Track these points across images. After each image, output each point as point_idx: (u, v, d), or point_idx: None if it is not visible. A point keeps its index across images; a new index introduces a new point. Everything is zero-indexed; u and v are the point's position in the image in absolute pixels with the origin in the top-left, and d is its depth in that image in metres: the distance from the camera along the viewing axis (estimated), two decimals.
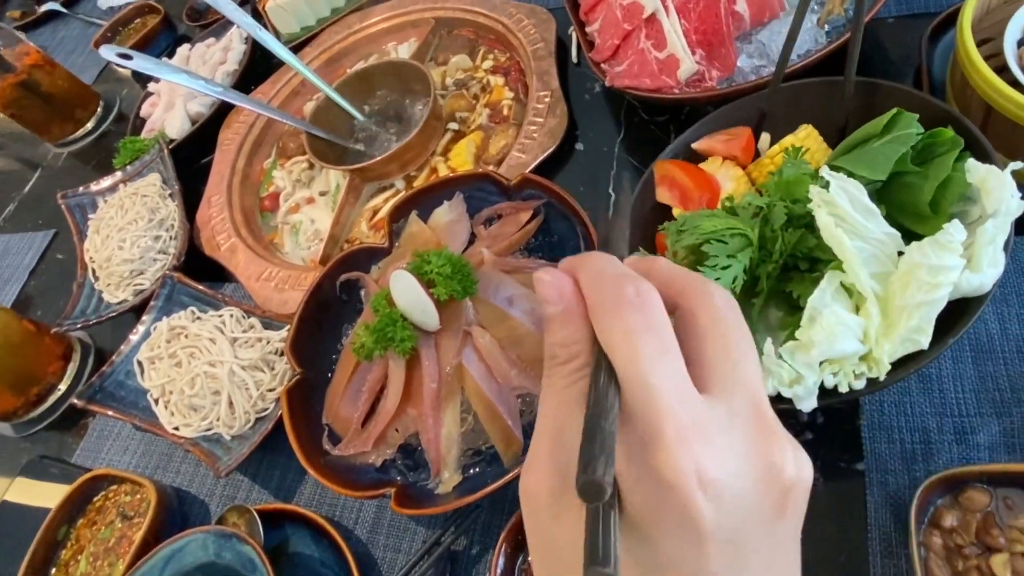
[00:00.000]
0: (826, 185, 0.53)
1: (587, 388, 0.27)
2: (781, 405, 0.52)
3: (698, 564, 0.24)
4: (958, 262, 0.49)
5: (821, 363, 0.51)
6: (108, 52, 0.92)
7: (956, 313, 0.53)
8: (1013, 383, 0.64)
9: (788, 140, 0.68)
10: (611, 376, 0.27)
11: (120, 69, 1.39)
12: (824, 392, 0.52)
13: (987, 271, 0.51)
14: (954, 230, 0.48)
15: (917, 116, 0.60)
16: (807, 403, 0.51)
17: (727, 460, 0.25)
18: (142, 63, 0.93)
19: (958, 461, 0.62)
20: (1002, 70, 0.68)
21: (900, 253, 0.54)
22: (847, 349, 0.49)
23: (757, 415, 0.27)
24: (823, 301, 0.51)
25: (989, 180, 0.54)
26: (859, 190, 0.53)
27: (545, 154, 0.93)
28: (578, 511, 0.26)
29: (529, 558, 0.26)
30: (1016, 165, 0.54)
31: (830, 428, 0.66)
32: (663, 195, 0.73)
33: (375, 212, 1.02)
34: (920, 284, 0.49)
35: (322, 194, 1.08)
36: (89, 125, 1.37)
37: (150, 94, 1.26)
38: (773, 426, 0.27)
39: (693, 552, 0.24)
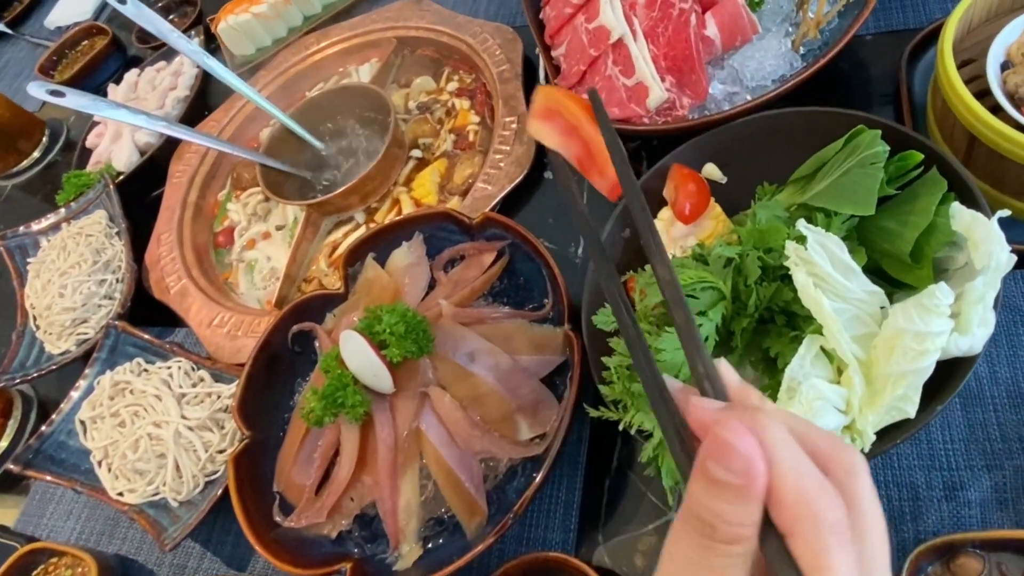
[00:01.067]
0: (803, 240, 0.49)
1: (745, 571, 0.26)
2: None
3: None
4: (945, 326, 0.45)
5: None
6: (38, 89, 0.85)
7: (944, 373, 0.49)
8: (1004, 432, 0.60)
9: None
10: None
11: None
12: None
13: (976, 332, 0.47)
14: (941, 294, 0.44)
15: (880, 132, 0.57)
16: None
17: None
18: (76, 100, 0.87)
19: (948, 520, 0.58)
20: (985, 93, 0.64)
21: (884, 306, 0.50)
22: (828, 424, 0.45)
23: None
24: (802, 371, 0.47)
25: (976, 230, 0.50)
26: (838, 246, 0.49)
27: (512, 185, 0.88)
28: None
29: None
30: (1003, 213, 0.51)
31: None
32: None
33: (335, 247, 0.97)
34: (906, 351, 0.45)
35: (279, 228, 1.03)
36: (35, 155, 1.30)
37: (96, 123, 1.20)
38: None
39: None
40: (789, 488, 0.26)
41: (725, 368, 0.32)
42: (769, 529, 0.26)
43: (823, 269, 0.47)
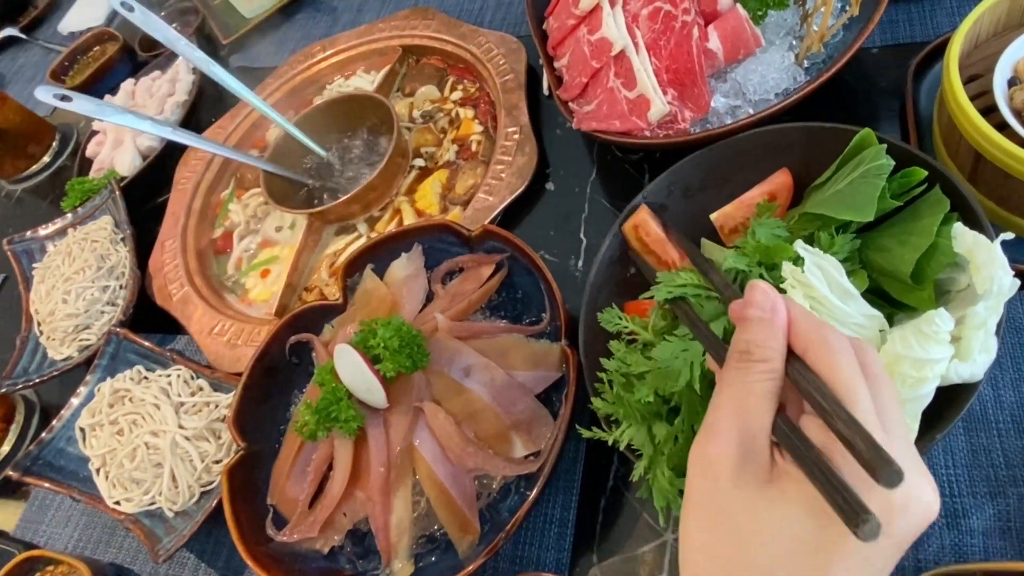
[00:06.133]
0: (801, 262, 0.48)
1: (775, 388, 0.34)
2: None
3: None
4: (945, 352, 0.44)
5: None
6: (45, 93, 0.86)
7: (944, 399, 0.48)
8: (1008, 458, 0.59)
9: None
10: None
11: None
12: None
13: (978, 358, 0.46)
14: (941, 320, 0.43)
15: (885, 147, 0.56)
16: None
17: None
18: (83, 105, 0.87)
19: (950, 549, 0.57)
20: (992, 109, 0.63)
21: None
22: None
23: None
24: None
25: (978, 253, 0.48)
26: (837, 269, 0.48)
27: (512, 196, 0.88)
28: (755, 485, 0.32)
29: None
30: (1007, 235, 0.49)
31: None
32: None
33: (336, 256, 0.97)
34: (904, 379, 0.44)
35: (278, 230, 1.03)
36: (45, 159, 1.32)
37: (95, 132, 1.20)
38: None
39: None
40: (803, 322, 0.34)
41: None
42: (792, 358, 0.34)
43: (820, 292, 0.46)
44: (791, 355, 0.34)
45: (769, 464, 0.32)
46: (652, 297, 0.57)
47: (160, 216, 1.08)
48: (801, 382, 0.33)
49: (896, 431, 0.32)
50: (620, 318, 0.59)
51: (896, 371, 0.44)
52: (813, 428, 0.32)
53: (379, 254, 0.80)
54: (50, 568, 0.76)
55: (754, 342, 0.34)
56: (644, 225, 0.66)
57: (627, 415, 0.53)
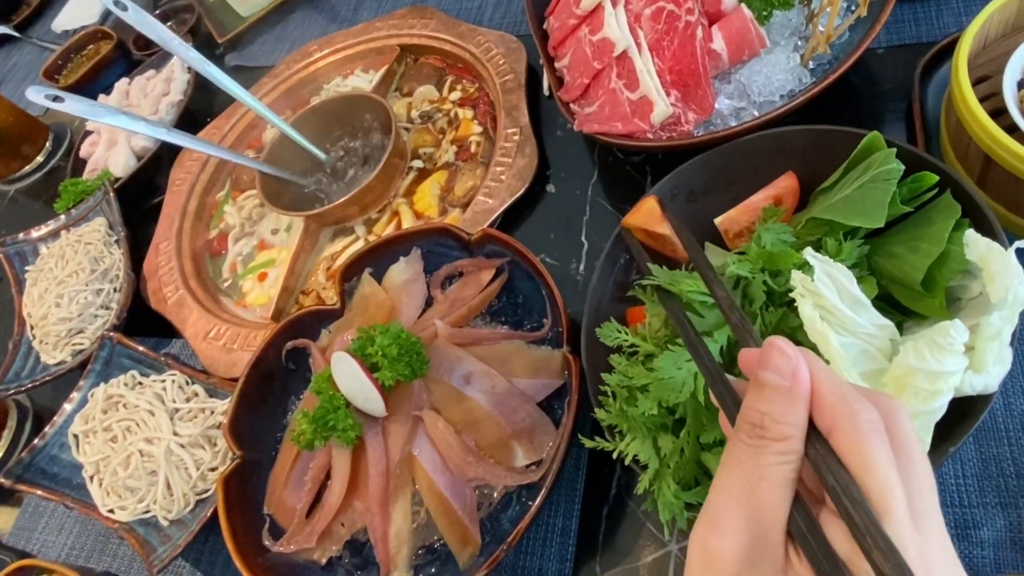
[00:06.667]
0: (810, 270, 0.47)
1: (793, 474, 0.29)
2: None
3: None
4: (959, 364, 0.43)
5: None
6: (36, 94, 0.84)
7: (957, 411, 0.47)
8: (1019, 468, 0.58)
9: None
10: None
11: None
12: None
13: (992, 370, 0.44)
14: (956, 331, 0.42)
15: (895, 151, 0.54)
16: None
17: None
18: (75, 106, 0.86)
19: (960, 561, 0.55)
20: (1001, 111, 0.62)
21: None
22: None
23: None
24: None
25: (992, 261, 0.47)
26: (847, 277, 0.47)
27: (513, 198, 0.87)
28: None
29: None
30: (1021, 243, 0.48)
31: None
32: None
33: (334, 259, 0.96)
34: (917, 391, 0.43)
35: (274, 232, 1.02)
36: (39, 159, 1.30)
37: (89, 132, 1.19)
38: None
39: None
40: (829, 392, 0.29)
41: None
42: (814, 436, 0.29)
43: (830, 302, 0.45)
44: (812, 431, 0.29)
45: (783, 564, 0.28)
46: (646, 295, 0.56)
47: (155, 218, 1.07)
48: (826, 475, 0.28)
49: (931, 529, 0.28)
50: (619, 331, 0.58)
51: (909, 384, 0.43)
52: (836, 533, 0.28)
53: (377, 258, 0.79)
54: None
55: (770, 416, 0.29)
56: (650, 216, 0.64)
57: (631, 428, 0.52)
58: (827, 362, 0.46)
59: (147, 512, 0.74)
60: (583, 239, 0.85)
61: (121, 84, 1.22)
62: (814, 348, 0.48)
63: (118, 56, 1.34)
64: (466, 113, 1.02)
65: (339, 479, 0.62)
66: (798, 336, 0.52)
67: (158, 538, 0.72)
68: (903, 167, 0.54)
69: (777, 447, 0.29)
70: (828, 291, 0.45)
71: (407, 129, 1.04)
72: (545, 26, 0.92)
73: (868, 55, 0.81)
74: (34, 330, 0.95)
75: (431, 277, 0.77)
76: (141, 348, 0.86)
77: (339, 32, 1.18)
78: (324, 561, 0.63)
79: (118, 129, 1.13)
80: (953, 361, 0.42)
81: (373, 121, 1.03)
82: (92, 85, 1.31)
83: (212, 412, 0.78)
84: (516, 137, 0.91)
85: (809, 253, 0.48)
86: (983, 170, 0.64)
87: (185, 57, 0.96)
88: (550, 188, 0.91)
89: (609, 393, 0.56)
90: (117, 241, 1.00)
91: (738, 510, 0.28)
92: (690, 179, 0.68)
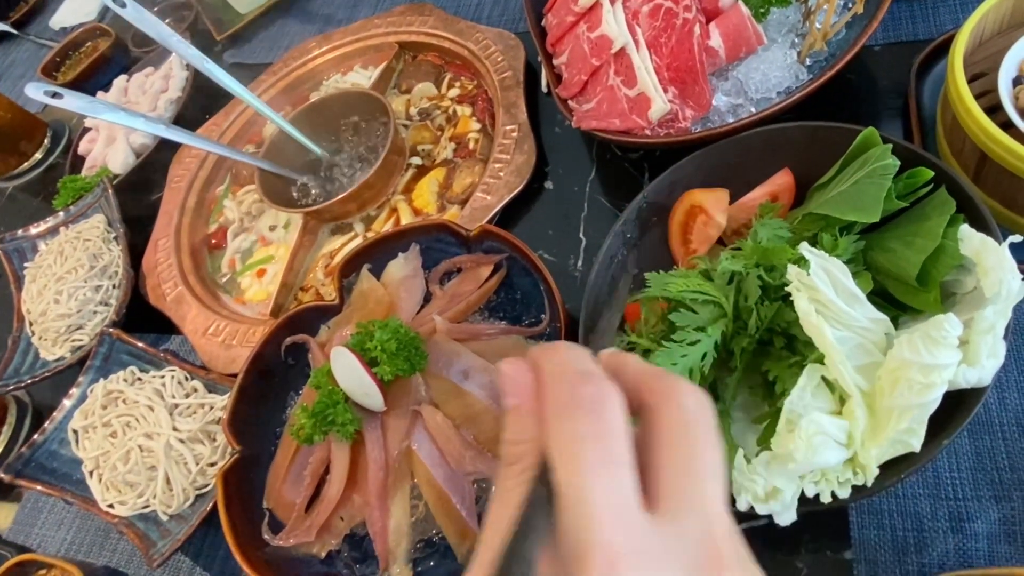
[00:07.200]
0: (805, 264, 0.47)
1: (529, 492, 0.25)
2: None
3: None
4: (953, 358, 0.44)
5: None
6: (35, 90, 0.85)
7: (951, 404, 0.47)
8: (1013, 461, 0.58)
9: None
10: (547, 486, 0.24)
11: None
12: (804, 500, 0.46)
13: (986, 363, 0.45)
14: (950, 325, 0.43)
15: (891, 147, 0.55)
16: (786, 516, 0.45)
17: None
18: (74, 102, 0.86)
19: (954, 554, 0.56)
20: (996, 108, 0.62)
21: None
22: (829, 461, 0.44)
23: (709, 544, 0.24)
24: (802, 403, 0.45)
25: (986, 256, 0.48)
26: (842, 272, 0.47)
27: (511, 195, 0.87)
28: None
29: None
30: (1015, 238, 0.49)
31: (814, 512, 0.60)
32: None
33: (332, 256, 0.96)
34: (911, 384, 0.43)
35: (272, 229, 1.02)
36: (37, 156, 1.30)
37: (88, 129, 1.19)
38: (726, 559, 0.24)
39: None
40: (547, 401, 0.26)
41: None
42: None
43: (826, 296, 0.46)
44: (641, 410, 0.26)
45: None
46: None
47: (154, 214, 1.07)
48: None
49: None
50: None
51: (904, 377, 0.43)
52: (545, 564, 0.24)
53: (376, 254, 0.79)
54: (43, 572, 0.75)
55: (508, 440, 0.27)
56: (712, 205, 0.65)
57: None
58: (823, 355, 0.46)
59: (147, 507, 0.74)
60: (581, 235, 0.85)
61: (120, 81, 1.22)
62: (809, 342, 0.48)
63: (116, 53, 1.34)
64: (464, 110, 1.02)
65: (338, 473, 0.62)
66: (793, 330, 0.52)
67: (158, 532, 0.73)
68: (899, 163, 0.54)
69: (513, 468, 0.26)
70: (824, 285, 0.46)
71: (406, 126, 1.04)
72: (543, 23, 0.92)
73: (864, 52, 0.81)
74: (33, 326, 0.95)
75: (430, 273, 0.77)
76: (140, 344, 0.86)
77: (338, 29, 1.18)
78: (323, 554, 0.63)
79: (117, 126, 1.13)
80: (947, 355, 0.43)
81: (372, 118, 1.03)
82: (90, 82, 1.31)
83: (211, 407, 0.78)
84: (514, 134, 0.92)
85: (805, 248, 0.48)
86: (978, 166, 0.64)
87: (184, 54, 0.96)
88: (548, 184, 0.91)
89: None
90: (116, 238, 1.00)
91: (485, 553, 0.25)
92: (687, 175, 0.68)
